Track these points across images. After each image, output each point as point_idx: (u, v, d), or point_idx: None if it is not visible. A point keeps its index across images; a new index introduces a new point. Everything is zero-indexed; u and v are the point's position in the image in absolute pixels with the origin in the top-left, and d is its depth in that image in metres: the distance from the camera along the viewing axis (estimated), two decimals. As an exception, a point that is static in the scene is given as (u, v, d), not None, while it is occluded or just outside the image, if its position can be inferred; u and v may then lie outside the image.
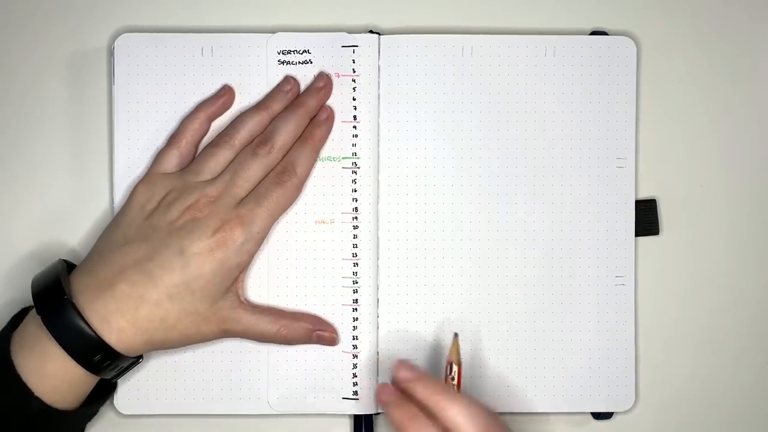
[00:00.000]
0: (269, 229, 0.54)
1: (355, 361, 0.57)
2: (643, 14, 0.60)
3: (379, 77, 0.58)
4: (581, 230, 0.58)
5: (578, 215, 0.58)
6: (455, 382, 0.52)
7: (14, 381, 0.49)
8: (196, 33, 0.57)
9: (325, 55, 0.57)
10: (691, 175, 0.60)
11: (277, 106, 0.56)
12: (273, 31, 0.57)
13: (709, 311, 0.60)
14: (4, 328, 0.52)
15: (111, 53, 0.57)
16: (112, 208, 0.57)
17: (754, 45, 0.60)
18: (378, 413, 0.57)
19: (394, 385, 0.51)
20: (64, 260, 0.53)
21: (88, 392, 0.52)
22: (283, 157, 0.55)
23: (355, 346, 0.57)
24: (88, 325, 0.49)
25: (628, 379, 0.58)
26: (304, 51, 0.57)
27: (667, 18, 0.60)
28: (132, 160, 0.57)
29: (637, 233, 0.59)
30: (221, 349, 0.57)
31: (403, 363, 0.51)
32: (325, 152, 0.57)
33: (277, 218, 0.54)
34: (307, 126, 0.56)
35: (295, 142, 0.55)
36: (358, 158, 0.57)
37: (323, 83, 0.57)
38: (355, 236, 0.57)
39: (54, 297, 0.50)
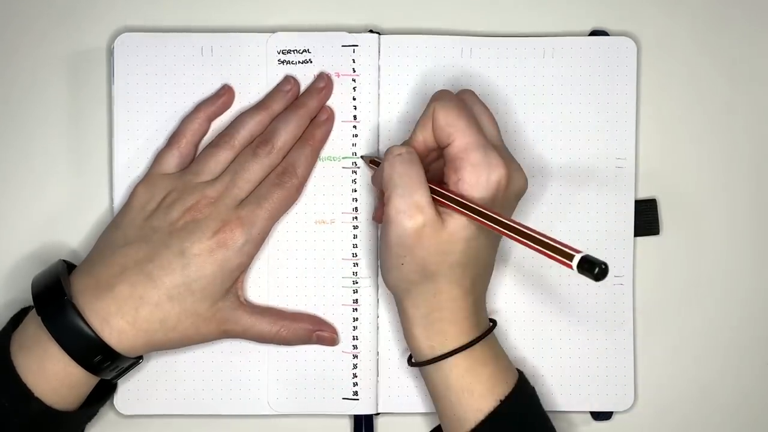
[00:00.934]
0: (269, 230, 0.54)
1: (355, 361, 0.57)
2: (643, 14, 0.60)
3: (379, 77, 0.58)
4: (581, 230, 0.58)
5: (578, 215, 0.58)
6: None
7: (14, 381, 0.49)
8: (196, 33, 0.57)
9: (325, 54, 0.57)
10: (691, 175, 0.60)
11: (277, 106, 0.56)
12: (273, 31, 0.57)
13: (708, 311, 0.60)
14: (4, 329, 0.52)
15: (111, 53, 0.57)
16: (112, 208, 0.57)
17: (754, 45, 0.60)
18: (378, 413, 0.57)
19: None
20: (64, 261, 0.53)
21: (88, 393, 0.52)
22: (284, 157, 0.55)
23: (355, 346, 0.57)
24: (88, 325, 0.49)
25: (627, 378, 0.58)
26: (304, 51, 0.57)
27: (667, 18, 0.60)
28: (132, 160, 0.57)
29: (637, 233, 0.59)
30: (221, 349, 0.56)
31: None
32: (325, 152, 0.57)
33: (278, 219, 0.54)
34: (307, 127, 0.56)
35: (296, 142, 0.55)
36: (358, 158, 0.57)
37: (324, 84, 0.57)
38: (355, 236, 0.57)
39: (54, 297, 0.50)
